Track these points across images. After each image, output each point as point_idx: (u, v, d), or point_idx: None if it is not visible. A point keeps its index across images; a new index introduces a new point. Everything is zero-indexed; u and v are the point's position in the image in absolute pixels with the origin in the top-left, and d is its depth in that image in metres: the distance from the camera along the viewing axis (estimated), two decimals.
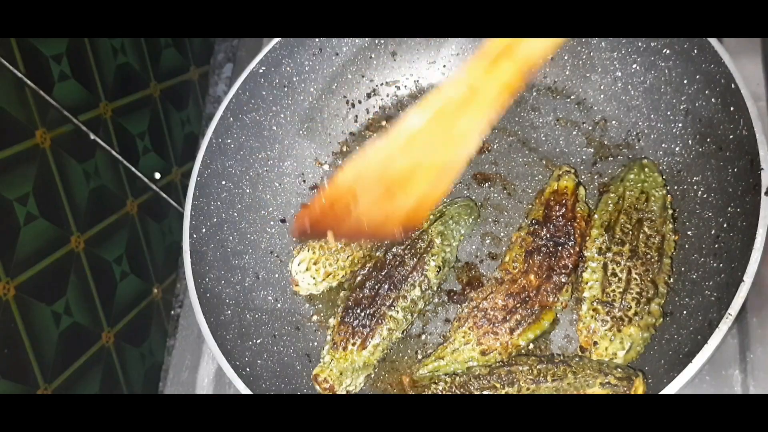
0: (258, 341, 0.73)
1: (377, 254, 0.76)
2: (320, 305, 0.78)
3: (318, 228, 0.62)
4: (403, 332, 0.72)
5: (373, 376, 0.72)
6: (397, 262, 0.72)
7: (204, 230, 0.75)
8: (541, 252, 0.70)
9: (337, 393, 0.69)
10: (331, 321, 0.73)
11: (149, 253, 0.93)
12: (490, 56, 0.52)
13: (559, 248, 0.69)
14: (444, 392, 0.65)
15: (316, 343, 0.75)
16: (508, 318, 0.67)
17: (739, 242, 0.60)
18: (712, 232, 0.66)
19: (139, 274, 0.90)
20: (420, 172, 0.57)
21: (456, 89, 0.54)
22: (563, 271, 0.69)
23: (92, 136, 0.83)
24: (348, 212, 0.59)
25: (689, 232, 0.69)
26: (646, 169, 0.72)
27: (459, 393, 0.65)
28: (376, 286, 0.71)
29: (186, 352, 0.88)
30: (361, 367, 0.70)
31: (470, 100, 0.54)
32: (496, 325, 0.67)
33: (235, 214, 0.79)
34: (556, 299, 0.68)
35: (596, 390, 0.61)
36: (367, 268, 0.74)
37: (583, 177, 0.77)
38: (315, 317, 0.78)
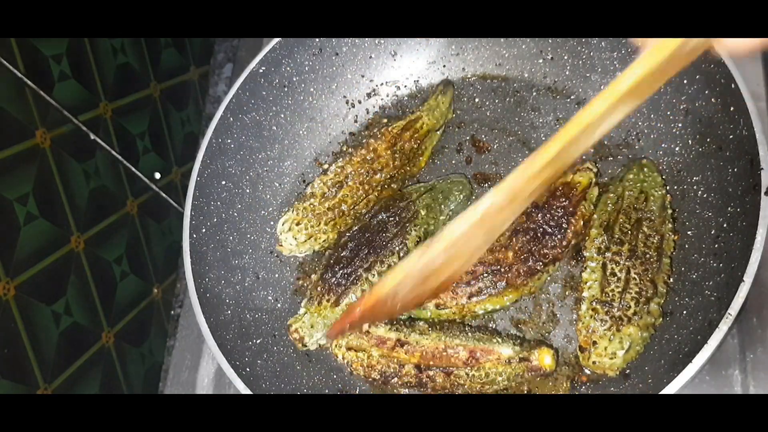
0: (258, 341, 0.73)
1: (365, 219, 0.77)
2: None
3: (355, 326, 0.65)
4: None
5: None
6: (381, 228, 0.74)
7: (204, 230, 0.75)
8: (527, 234, 0.69)
9: (307, 344, 0.71)
10: (313, 276, 0.75)
11: (149, 253, 0.93)
12: (536, 167, 0.51)
13: (546, 237, 0.69)
14: (362, 366, 0.67)
15: None
16: (472, 283, 0.68)
17: (739, 242, 0.60)
18: (712, 232, 0.66)
19: (139, 274, 0.90)
20: (454, 262, 0.58)
21: (500, 196, 0.53)
22: (542, 259, 0.68)
23: (92, 136, 0.83)
24: (386, 313, 0.62)
25: (689, 232, 0.69)
26: (645, 169, 0.72)
27: (378, 376, 0.67)
28: (357, 248, 0.73)
29: (186, 352, 0.88)
30: (332, 323, 0.71)
31: (512, 202, 0.53)
32: (459, 285, 0.68)
33: (235, 214, 0.79)
34: (524, 282, 0.68)
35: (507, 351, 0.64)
36: (352, 231, 0.75)
37: None
38: (300, 282, 0.78)
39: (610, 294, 0.65)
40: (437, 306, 0.69)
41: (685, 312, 0.65)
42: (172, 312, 0.97)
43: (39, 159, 0.73)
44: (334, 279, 0.72)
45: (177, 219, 0.99)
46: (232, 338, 0.70)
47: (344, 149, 0.86)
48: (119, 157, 0.88)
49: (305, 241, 0.76)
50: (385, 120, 0.85)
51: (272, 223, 0.82)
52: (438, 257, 0.56)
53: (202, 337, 0.68)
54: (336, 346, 0.69)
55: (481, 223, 0.55)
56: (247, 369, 0.68)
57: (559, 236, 0.69)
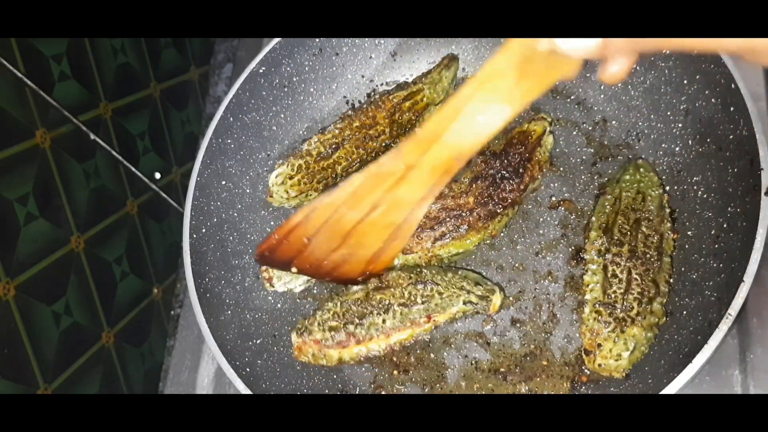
0: (258, 341, 0.73)
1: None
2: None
3: (279, 258, 0.71)
4: None
5: (313, 283, 0.78)
6: None
7: (204, 230, 0.75)
8: (486, 180, 0.73)
9: (275, 285, 0.75)
10: None
11: (149, 253, 0.93)
12: (423, 139, 0.62)
13: (504, 181, 0.73)
14: (330, 320, 0.69)
15: None
16: (435, 228, 0.72)
17: (739, 242, 0.60)
18: (712, 232, 0.66)
19: (139, 274, 0.90)
20: (370, 228, 0.68)
21: (392, 163, 0.64)
22: (501, 202, 0.72)
23: (92, 136, 0.83)
24: (303, 246, 0.69)
25: (689, 232, 0.69)
26: (642, 169, 0.72)
27: (342, 323, 0.69)
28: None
29: (186, 352, 0.88)
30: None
31: (406, 175, 0.64)
32: (423, 230, 0.72)
33: (235, 214, 0.79)
34: (485, 224, 0.72)
35: (460, 308, 0.68)
36: (333, 185, 0.76)
37: (582, 177, 0.77)
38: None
39: (613, 296, 0.65)
40: (403, 252, 0.72)
41: (685, 312, 0.65)
42: (172, 312, 0.97)
43: (39, 159, 0.73)
44: None
45: (177, 219, 0.99)
46: (232, 338, 0.70)
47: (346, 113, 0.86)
48: (119, 157, 0.88)
49: (296, 196, 0.78)
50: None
51: (272, 223, 0.82)
52: (344, 209, 0.67)
53: (202, 337, 0.68)
54: (301, 355, 0.70)
55: (378, 183, 0.65)
56: (247, 369, 0.68)
57: (516, 180, 0.73)
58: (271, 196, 0.79)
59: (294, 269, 0.72)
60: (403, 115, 0.80)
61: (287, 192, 0.78)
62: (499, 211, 0.72)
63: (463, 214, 0.72)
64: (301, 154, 0.79)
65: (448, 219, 0.72)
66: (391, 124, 0.79)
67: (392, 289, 0.69)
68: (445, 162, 0.63)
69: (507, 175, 0.73)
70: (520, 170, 0.73)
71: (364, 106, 0.82)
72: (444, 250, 0.72)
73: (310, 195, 0.78)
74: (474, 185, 0.73)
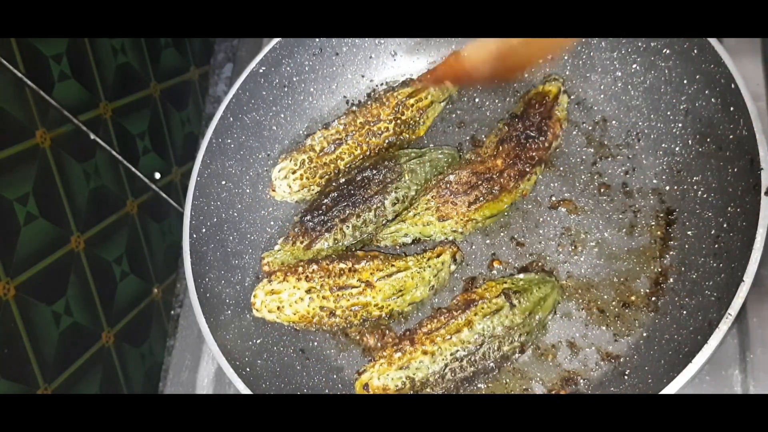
0: (258, 341, 0.73)
1: (352, 173, 0.79)
2: None
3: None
4: (346, 247, 0.76)
5: (310, 195, 0.78)
6: (364, 184, 0.76)
7: (204, 230, 0.75)
8: (512, 141, 0.75)
9: (277, 192, 0.78)
10: (294, 218, 0.78)
11: (149, 253, 0.93)
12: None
13: (530, 141, 0.75)
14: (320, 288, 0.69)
15: (315, 343, 0.75)
16: (468, 192, 0.73)
17: (739, 242, 0.60)
18: (712, 232, 0.66)
19: (139, 274, 0.90)
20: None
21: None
22: (529, 161, 0.74)
23: (92, 136, 0.83)
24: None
25: (689, 232, 0.69)
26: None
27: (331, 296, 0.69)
28: (338, 199, 0.75)
29: (186, 352, 0.88)
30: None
31: None
32: (457, 196, 0.74)
33: (235, 214, 0.79)
34: (516, 184, 0.74)
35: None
36: (339, 181, 0.77)
37: (582, 177, 0.77)
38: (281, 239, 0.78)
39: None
40: (440, 219, 0.73)
41: (685, 312, 0.65)
42: (172, 312, 0.97)
43: (39, 159, 0.73)
44: (310, 223, 0.74)
45: (177, 219, 0.99)
46: (232, 338, 0.70)
47: (350, 110, 0.85)
48: (119, 157, 0.88)
49: (298, 190, 0.78)
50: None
51: (272, 223, 0.82)
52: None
53: (202, 337, 0.68)
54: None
55: None
56: (247, 369, 0.67)
57: (541, 138, 0.75)
58: (273, 190, 0.79)
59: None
60: (407, 112, 0.80)
61: (290, 186, 0.78)
62: (527, 169, 0.74)
63: (494, 177, 0.74)
64: (304, 149, 0.79)
65: (479, 183, 0.74)
66: (395, 120, 0.79)
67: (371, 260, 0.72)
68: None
69: (532, 134, 0.75)
70: (543, 128, 0.75)
71: (369, 102, 0.82)
72: (479, 214, 0.73)
73: (312, 189, 0.79)
74: (500, 147, 0.75)
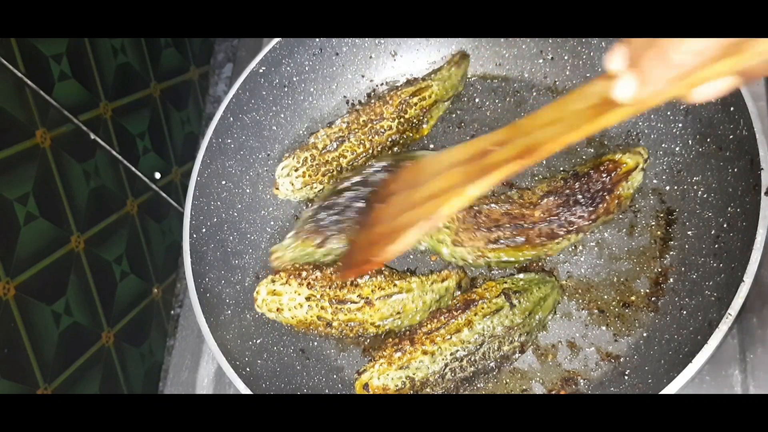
0: (258, 341, 0.73)
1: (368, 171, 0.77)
2: None
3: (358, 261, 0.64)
4: None
5: (314, 193, 0.78)
6: (378, 184, 0.73)
7: (204, 230, 0.75)
8: (559, 198, 0.69)
9: (280, 190, 0.77)
10: (305, 212, 0.76)
11: (149, 253, 0.93)
12: (522, 125, 0.52)
13: (577, 206, 0.69)
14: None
15: (315, 343, 0.75)
16: (492, 230, 0.69)
17: (739, 242, 0.60)
18: (712, 232, 0.66)
19: (139, 274, 0.90)
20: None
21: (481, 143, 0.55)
22: (566, 225, 0.69)
23: (92, 136, 0.83)
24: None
25: (689, 232, 0.69)
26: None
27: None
28: (353, 200, 0.74)
29: (186, 352, 0.88)
30: (309, 261, 0.74)
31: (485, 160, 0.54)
32: (480, 229, 0.69)
33: (235, 214, 0.79)
34: (543, 243, 0.69)
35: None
36: (352, 180, 0.75)
37: None
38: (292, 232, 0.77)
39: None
40: (454, 243, 0.70)
41: (685, 312, 0.65)
42: (172, 312, 0.97)
43: (39, 159, 0.73)
44: (324, 222, 0.73)
45: (177, 219, 0.99)
46: (232, 338, 0.70)
47: (354, 108, 0.85)
48: (119, 157, 0.88)
49: (301, 188, 0.78)
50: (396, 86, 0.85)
51: (272, 223, 0.82)
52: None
53: (202, 337, 0.68)
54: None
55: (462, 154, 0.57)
56: (247, 369, 0.68)
57: (590, 209, 0.69)
58: (277, 188, 0.79)
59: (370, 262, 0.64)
60: (411, 111, 0.80)
61: (292, 184, 0.78)
62: (561, 234, 0.69)
63: (525, 225, 0.69)
64: (307, 146, 0.79)
65: (507, 225, 0.69)
66: (398, 119, 0.79)
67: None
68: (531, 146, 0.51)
69: (582, 200, 0.69)
70: (597, 200, 0.69)
71: (372, 101, 0.82)
72: (494, 254, 0.70)
73: (315, 187, 0.79)
74: (545, 200, 0.69)
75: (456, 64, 0.83)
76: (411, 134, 0.81)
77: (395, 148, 0.81)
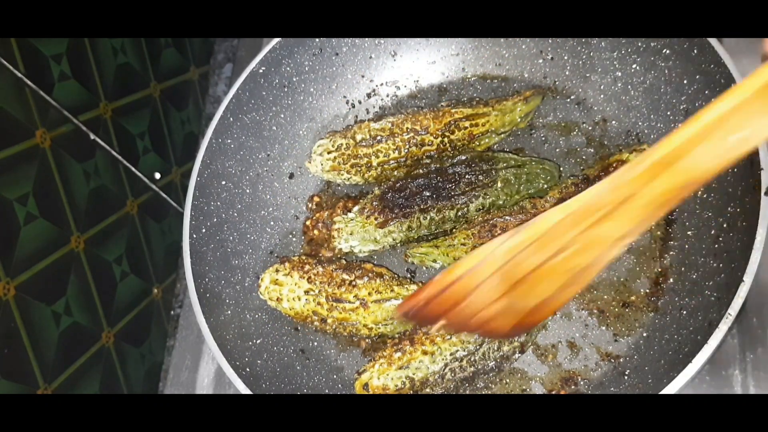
0: (258, 341, 0.73)
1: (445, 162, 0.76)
2: None
3: (427, 315, 0.57)
4: (419, 237, 0.75)
5: (378, 253, 0.78)
6: (454, 179, 0.74)
7: (204, 230, 0.75)
8: None
9: (339, 243, 0.75)
10: (376, 189, 0.77)
11: (149, 253, 0.93)
12: (654, 165, 0.47)
13: None
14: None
15: (315, 343, 0.75)
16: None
17: (739, 242, 0.60)
18: (712, 232, 0.66)
19: (139, 274, 0.90)
20: (548, 273, 0.53)
21: (606, 196, 0.49)
22: None
23: (92, 136, 0.83)
24: (461, 298, 0.55)
25: (689, 232, 0.69)
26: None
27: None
28: (423, 186, 0.74)
29: (186, 352, 0.88)
30: (370, 240, 0.75)
31: (616, 207, 0.49)
32: (489, 238, 0.68)
33: (235, 214, 0.79)
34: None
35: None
36: (429, 167, 0.75)
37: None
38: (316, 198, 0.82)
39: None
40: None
41: (685, 312, 0.65)
42: (172, 312, 0.97)
43: (39, 159, 0.73)
44: (390, 202, 0.74)
45: (177, 219, 0.99)
46: (232, 338, 0.70)
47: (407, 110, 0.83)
48: (119, 157, 0.88)
49: (329, 170, 0.79)
50: (452, 102, 0.81)
51: (272, 223, 0.82)
52: (528, 253, 0.52)
53: (202, 337, 0.68)
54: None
55: (579, 220, 0.50)
56: (247, 369, 0.68)
57: None
58: (309, 162, 0.80)
59: (441, 323, 0.57)
60: (458, 133, 0.77)
61: (322, 165, 0.79)
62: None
63: None
64: (345, 133, 0.79)
65: None
66: (442, 137, 0.76)
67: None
68: (670, 191, 0.48)
69: None
70: None
71: (424, 110, 0.79)
72: None
73: (342, 175, 0.79)
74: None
75: (524, 100, 0.78)
76: (448, 154, 0.78)
77: (427, 160, 0.78)
